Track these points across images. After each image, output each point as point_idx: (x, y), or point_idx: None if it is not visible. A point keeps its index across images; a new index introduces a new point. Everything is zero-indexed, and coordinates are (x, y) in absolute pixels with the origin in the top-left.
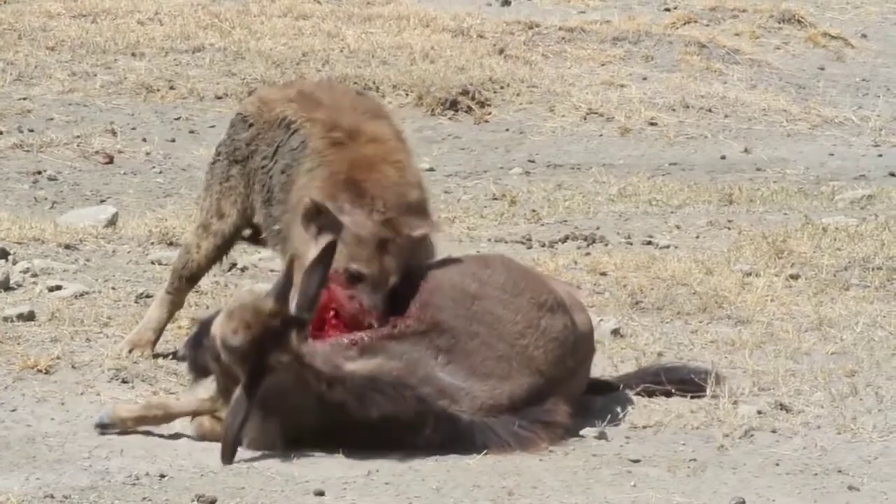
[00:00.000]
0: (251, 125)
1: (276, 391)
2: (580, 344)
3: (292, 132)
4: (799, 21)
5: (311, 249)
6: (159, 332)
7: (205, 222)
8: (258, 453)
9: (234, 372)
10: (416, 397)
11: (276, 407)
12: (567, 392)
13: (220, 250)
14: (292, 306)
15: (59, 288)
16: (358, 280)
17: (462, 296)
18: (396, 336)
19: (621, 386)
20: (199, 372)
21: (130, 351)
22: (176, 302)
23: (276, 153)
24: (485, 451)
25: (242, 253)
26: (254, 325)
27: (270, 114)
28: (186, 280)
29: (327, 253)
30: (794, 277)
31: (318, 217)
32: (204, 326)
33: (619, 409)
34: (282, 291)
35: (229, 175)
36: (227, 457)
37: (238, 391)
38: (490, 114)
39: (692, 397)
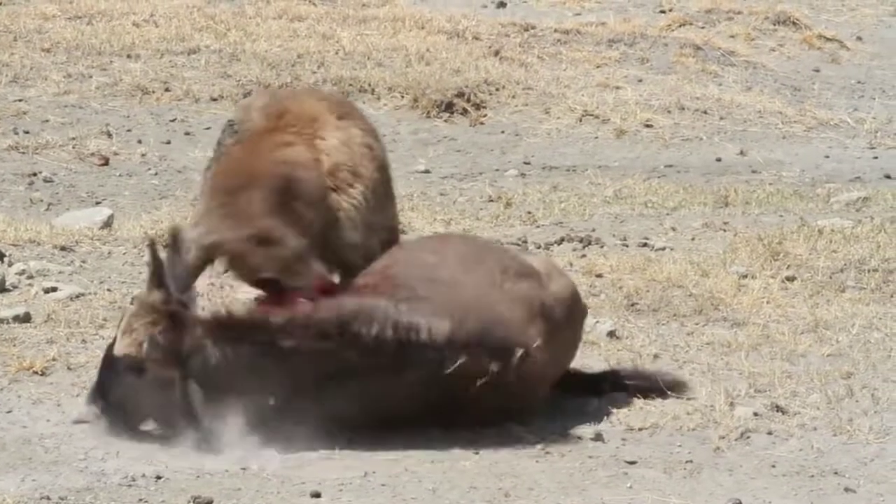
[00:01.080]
0: (236, 132)
1: (220, 369)
2: (555, 308)
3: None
4: (794, 23)
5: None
6: None
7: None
8: (254, 455)
9: (167, 373)
10: (376, 331)
11: (232, 384)
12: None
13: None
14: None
15: (54, 290)
16: (274, 281)
17: (420, 265)
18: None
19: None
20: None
21: None
22: None
23: None
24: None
25: None
26: (158, 320)
27: (250, 122)
28: None
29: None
30: (790, 279)
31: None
32: (104, 369)
33: (614, 411)
34: (157, 278)
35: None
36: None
37: (180, 383)
38: (486, 116)
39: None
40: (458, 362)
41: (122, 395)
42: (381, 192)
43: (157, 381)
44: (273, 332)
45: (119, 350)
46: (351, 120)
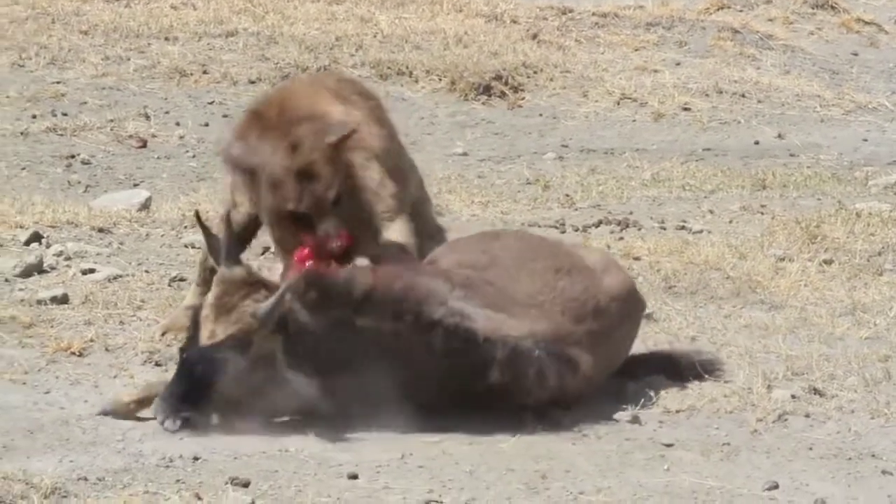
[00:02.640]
0: None
1: (309, 335)
2: (610, 306)
3: None
4: (832, 6)
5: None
6: (195, 317)
7: (224, 213)
8: (291, 436)
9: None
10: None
11: (316, 351)
12: (597, 355)
13: (240, 238)
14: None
15: (92, 271)
16: (301, 217)
17: (474, 265)
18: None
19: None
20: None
21: (163, 334)
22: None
23: None
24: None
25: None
26: (253, 292)
27: None
28: (211, 270)
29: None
30: (828, 262)
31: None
32: (187, 372)
33: (652, 394)
34: (232, 252)
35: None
36: None
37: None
38: (523, 99)
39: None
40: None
41: (230, 383)
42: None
43: (260, 357)
44: (354, 303)
45: (220, 333)
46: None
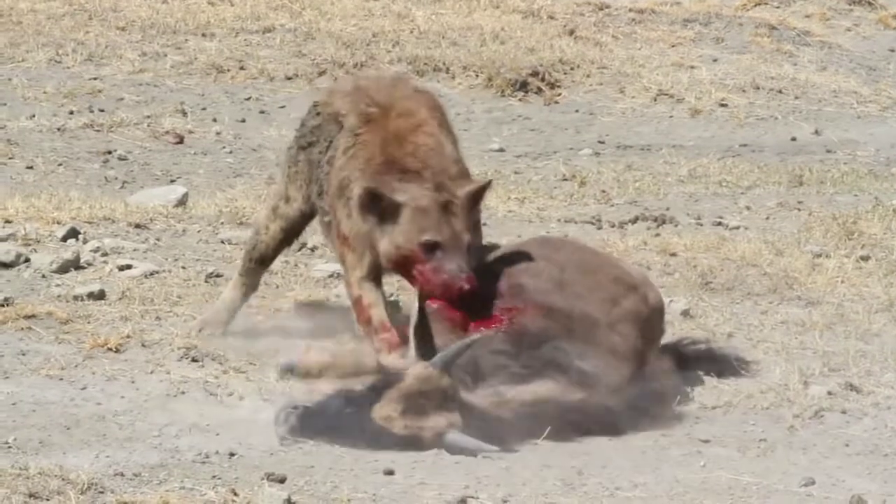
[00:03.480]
0: (318, 114)
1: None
2: (652, 320)
3: (341, 126)
4: (869, 3)
5: (381, 239)
6: (233, 313)
7: (274, 205)
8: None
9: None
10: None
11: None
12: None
13: (287, 233)
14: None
15: (129, 267)
16: (435, 248)
17: (550, 280)
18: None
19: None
20: None
21: (201, 330)
22: (249, 284)
23: (329, 147)
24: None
25: (312, 234)
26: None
27: (332, 107)
28: (257, 262)
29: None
30: (865, 259)
31: (374, 204)
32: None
33: (688, 390)
34: (450, 361)
35: (297, 160)
36: None
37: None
38: (560, 95)
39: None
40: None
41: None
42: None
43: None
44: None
45: (391, 422)
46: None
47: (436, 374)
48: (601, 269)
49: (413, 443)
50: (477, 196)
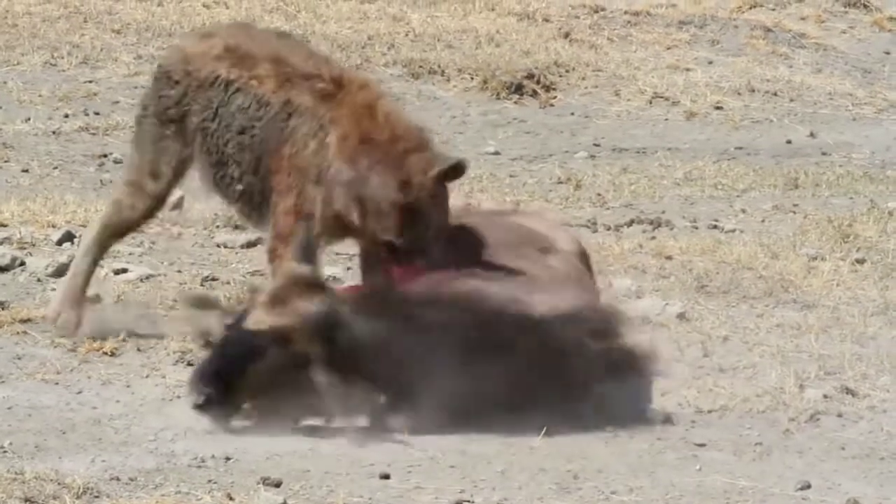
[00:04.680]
0: (177, 82)
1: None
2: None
3: (233, 91)
4: (865, 5)
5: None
6: (88, 282)
7: (138, 182)
8: (323, 436)
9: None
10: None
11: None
12: None
13: (155, 210)
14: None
15: (124, 271)
16: (395, 248)
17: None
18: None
19: None
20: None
21: (59, 316)
22: (101, 252)
23: (216, 115)
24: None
25: None
26: (311, 294)
27: (199, 73)
28: (116, 236)
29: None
30: (860, 262)
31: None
32: (228, 350)
33: (683, 393)
34: (306, 251)
35: (163, 135)
36: None
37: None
38: (555, 98)
39: None
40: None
41: (261, 374)
42: None
43: (297, 357)
44: (411, 307)
45: (267, 322)
46: None
47: (295, 266)
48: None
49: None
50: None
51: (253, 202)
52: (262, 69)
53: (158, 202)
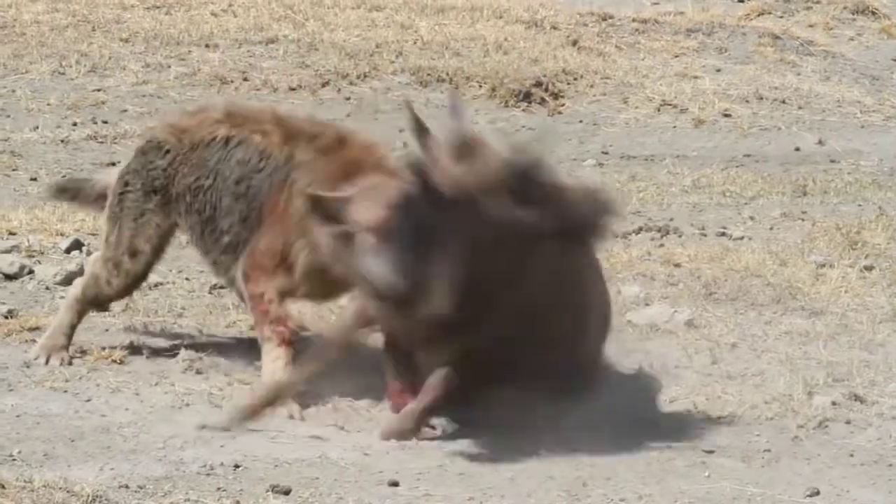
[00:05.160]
0: (167, 151)
1: None
2: None
3: (234, 146)
4: (873, 12)
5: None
6: (71, 335)
7: (115, 259)
8: (332, 444)
9: None
10: None
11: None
12: None
13: (132, 287)
14: None
15: None
16: None
17: None
18: None
19: None
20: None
21: (48, 359)
22: (81, 316)
23: (213, 171)
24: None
25: None
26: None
27: (194, 137)
28: (93, 305)
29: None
30: (869, 269)
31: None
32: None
33: (692, 400)
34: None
35: (144, 209)
36: None
37: None
38: (563, 105)
39: None
40: None
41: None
42: None
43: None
44: None
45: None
46: None
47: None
48: None
49: None
50: None
51: (237, 252)
52: (266, 126)
53: (136, 281)
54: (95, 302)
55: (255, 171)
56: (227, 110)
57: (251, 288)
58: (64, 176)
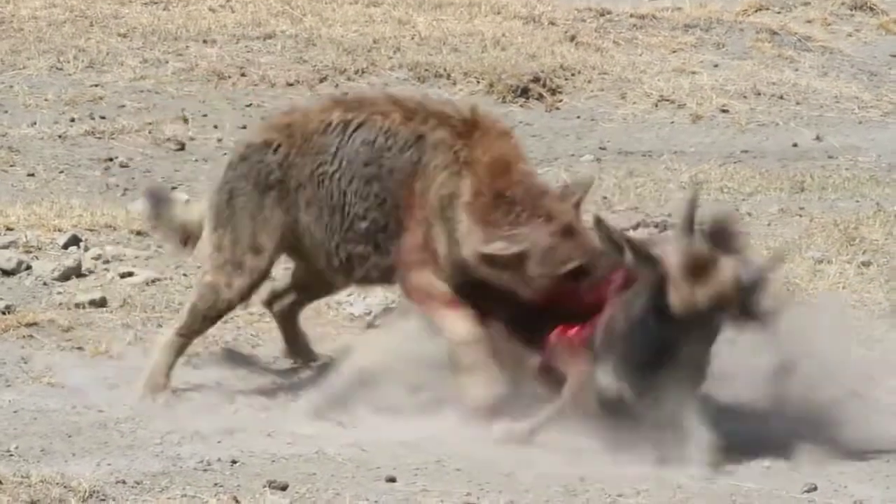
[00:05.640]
0: (279, 146)
1: None
2: None
3: (354, 128)
4: (871, 8)
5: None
6: (170, 373)
7: (236, 260)
8: (329, 439)
9: None
10: None
11: None
12: None
13: (255, 287)
14: None
15: (130, 274)
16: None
17: None
18: None
19: None
20: None
21: (154, 399)
22: (187, 344)
23: (336, 155)
24: None
25: None
26: None
27: (306, 128)
28: (210, 321)
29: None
30: (867, 265)
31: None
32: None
33: None
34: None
35: (262, 205)
36: None
37: None
38: (561, 101)
39: None
40: None
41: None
42: None
43: None
44: None
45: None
46: None
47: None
48: None
49: None
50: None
51: (376, 241)
52: (382, 106)
53: (260, 279)
54: (213, 315)
55: (385, 149)
56: (333, 98)
57: (413, 282)
58: (61, 172)
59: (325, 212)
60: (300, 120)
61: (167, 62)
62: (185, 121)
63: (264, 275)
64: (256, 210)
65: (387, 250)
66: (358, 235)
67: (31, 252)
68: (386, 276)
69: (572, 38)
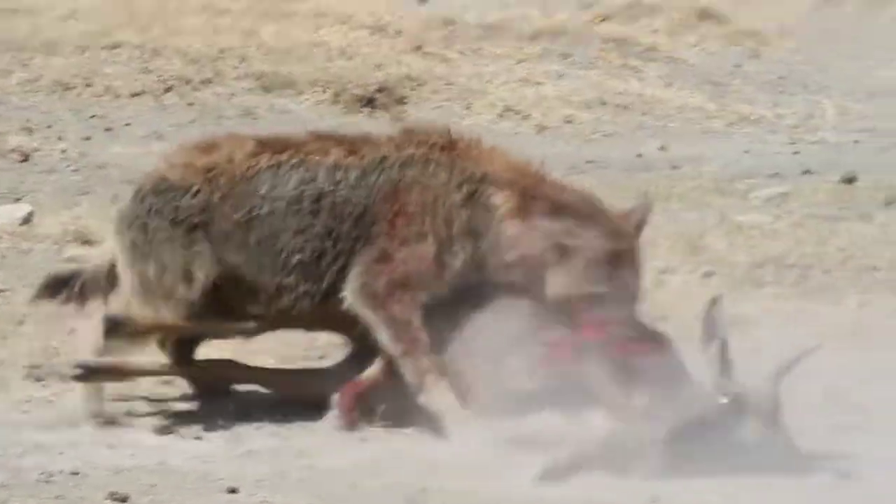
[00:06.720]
0: (198, 191)
1: None
2: None
3: (288, 169)
4: (716, 18)
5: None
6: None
7: (165, 290)
8: (172, 451)
9: None
10: None
11: None
12: None
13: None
14: None
15: None
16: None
17: None
18: None
19: None
20: None
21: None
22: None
23: (266, 197)
24: None
25: None
26: None
27: (231, 174)
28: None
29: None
30: (709, 275)
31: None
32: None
33: None
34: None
35: (190, 240)
36: None
37: None
38: (406, 111)
39: None
40: None
41: None
42: None
43: None
44: None
45: None
46: None
47: None
48: None
49: None
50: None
51: (313, 270)
52: (314, 145)
53: (189, 310)
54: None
55: (334, 183)
56: (257, 141)
57: (393, 310)
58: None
59: (254, 250)
60: (223, 164)
61: (12, 72)
62: (30, 131)
63: (195, 307)
64: (182, 243)
65: (319, 278)
66: (290, 267)
67: None
68: (312, 305)
69: (418, 48)
